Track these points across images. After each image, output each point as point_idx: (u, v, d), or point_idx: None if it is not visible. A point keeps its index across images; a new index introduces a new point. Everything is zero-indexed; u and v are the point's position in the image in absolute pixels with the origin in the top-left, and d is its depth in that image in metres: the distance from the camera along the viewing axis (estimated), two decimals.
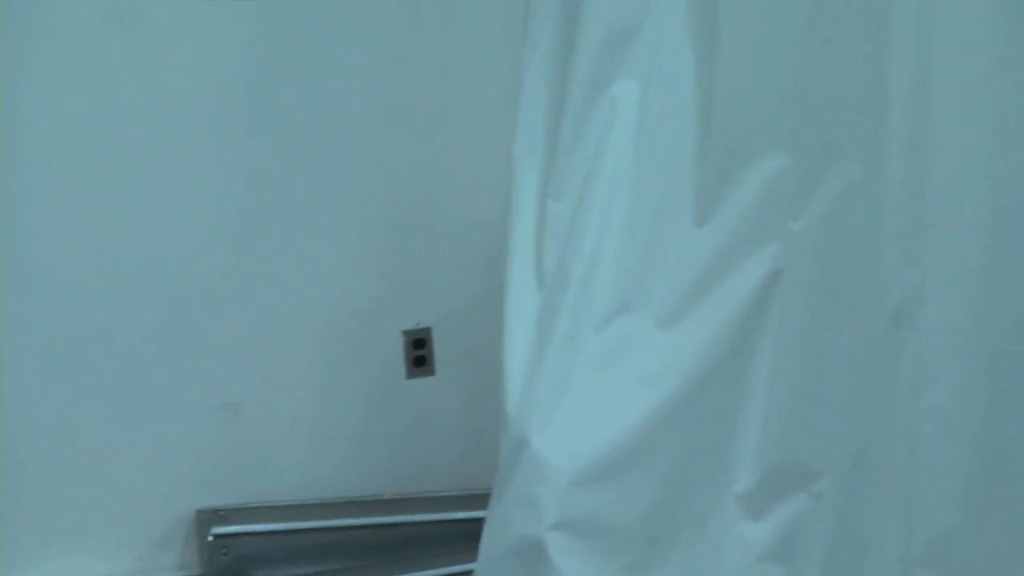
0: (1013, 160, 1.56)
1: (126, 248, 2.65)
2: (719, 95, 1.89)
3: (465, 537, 2.30)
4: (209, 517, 2.70)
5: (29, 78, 2.54)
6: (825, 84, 1.76)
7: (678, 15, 1.91)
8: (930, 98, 1.59)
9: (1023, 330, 1.58)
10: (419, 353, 2.88)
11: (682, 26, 1.91)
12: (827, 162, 1.76)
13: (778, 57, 1.82)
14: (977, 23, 1.56)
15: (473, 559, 2.02)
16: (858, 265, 1.71)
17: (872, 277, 1.68)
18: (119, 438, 2.68)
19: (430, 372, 2.90)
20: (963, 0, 1.56)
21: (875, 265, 1.67)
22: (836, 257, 1.75)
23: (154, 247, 2.67)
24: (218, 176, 2.71)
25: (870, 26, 1.67)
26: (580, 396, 1.90)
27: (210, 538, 2.68)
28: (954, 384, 1.59)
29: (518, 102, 2.04)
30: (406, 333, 2.88)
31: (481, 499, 2.08)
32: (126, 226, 2.65)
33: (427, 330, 2.89)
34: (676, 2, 1.91)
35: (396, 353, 2.88)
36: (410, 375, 2.89)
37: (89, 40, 2.59)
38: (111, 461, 2.68)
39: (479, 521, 2.02)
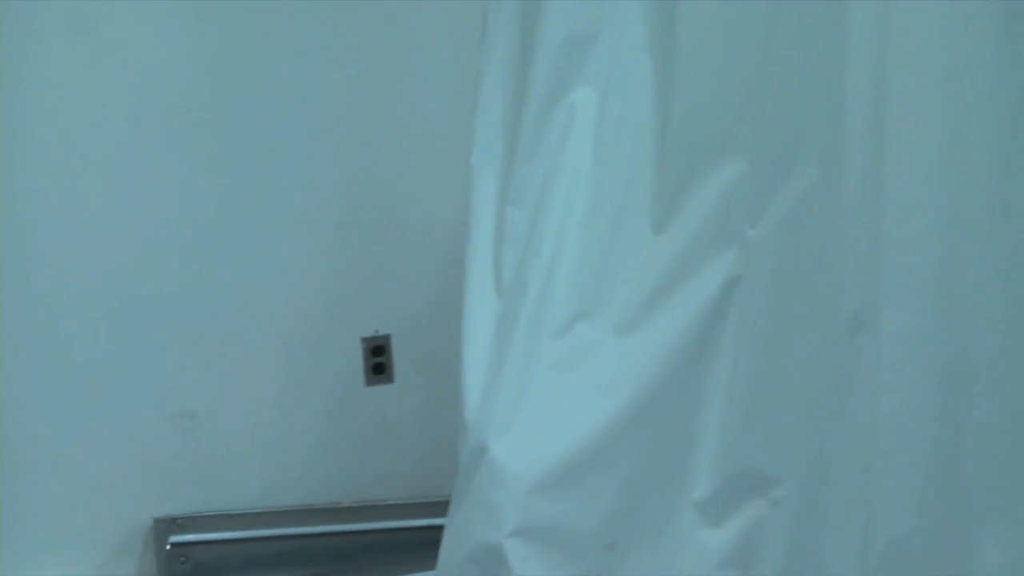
0: (968, 166, 1.58)
1: (81, 255, 2.64)
2: (677, 102, 1.89)
3: (424, 544, 2.29)
4: (167, 525, 2.69)
5: None
6: (782, 91, 1.77)
7: (635, 23, 1.91)
8: (886, 106, 1.60)
9: (979, 336, 1.60)
10: (378, 360, 2.88)
11: (640, 33, 1.92)
12: (785, 169, 1.76)
13: (736, 64, 1.83)
14: (931, 32, 1.57)
15: (432, 567, 2.02)
16: (815, 272, 1.72)
17: (829, 283, 1.69)
18: (76, 446, 2.67)
19: (389, 379, 2.90)
20: (918, 9, 1.58)
21: (832, 272, 1.68)
22: (794, 264, 1.76)
23: (109, 254, 2.66)
24: (174, 183, 2.70)
25: (827, 34, 1.68)
26: (539, 403, 1.90)
27: (168, 546, 2.67)
28: (910, 390, 1.60)
29: (476, 109, 2.04)
30: (365, 340, 2.87)
31: (440, 506, 2.08)
32: (81, 233, 2.64)
33: (386, 337, 2.88)
34: (633, 10, 1.91)
35: (355, 360, 2.87)
36: (369, 382, 2.88)
37: (42, 48, 2.57)
38: (68, 469, 2.67)
39: (438, 528, 2.02)
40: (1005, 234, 1.59)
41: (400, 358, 2.90)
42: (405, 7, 2.83)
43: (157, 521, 2.71)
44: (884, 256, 1.61)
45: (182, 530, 2.69)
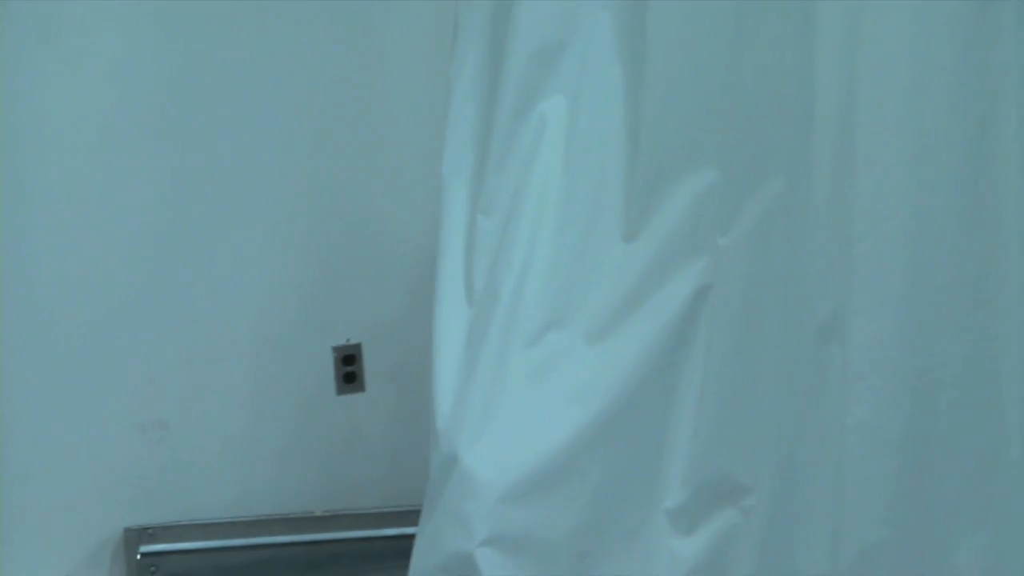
0: (936, 175, 1.58)
1: (48, 263, 2.63)
2: (647, 111, 1.89)
3: (396, 554, 2.29)
4: (137, 535, 2.68)
5: None
6: (753, 100, 1.77)
7: (606, 31, 1.91)
8: (855, 115, 1.61)
9: (948, 345, 1.60)
10: (349, 369, 2.87)
11: (610, 42, 1.92)
12: (755, 178, 1.77)
13: (706, 73, 1.83)
14: (900, 41, 1.58)
15: None
16: (785, 280, 1.72)
17: (799, 292, 1.69)
18: (45, 456, 2.65)
19: (360, 388, 2.89)
20: (886, 21, 1.59)
21: (802, 280, 1.69)
22: (764, 272, 1.76)
23: (76, 262, 2.64)
24: (143, 193, 2.69)
25: (797, 45, 1.68)
26: (510, 412, 1.90)
27: (138, 556, 2.66)
28: (880, 399, 1.60)
29: (447, 118, 2.04)
30: (336, 349, 2.87)
31: (412, 515, 2.07)
32: (47, 241, 2.62)
33: (357, 346, 2.88)
34: (603, 18, 1.91)
35: (326, 369, 2.86)
36: (340, 391, 2.88)
37: (11, 56, 2.56)
38: (37, 479, 2.65)
39: (410, 538, 2.01)
40: (974, 242, 1.59)
41: (371, 367, 2.89)
42: (378, 15, 2.83)
43: (127, 531, 2.70)
44: (854, 265, 1.62)
45: (152, 540, 2.68)
